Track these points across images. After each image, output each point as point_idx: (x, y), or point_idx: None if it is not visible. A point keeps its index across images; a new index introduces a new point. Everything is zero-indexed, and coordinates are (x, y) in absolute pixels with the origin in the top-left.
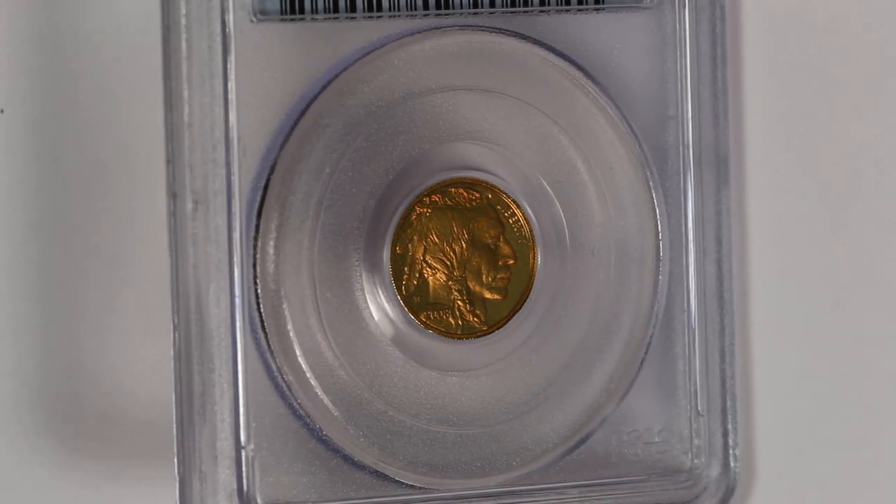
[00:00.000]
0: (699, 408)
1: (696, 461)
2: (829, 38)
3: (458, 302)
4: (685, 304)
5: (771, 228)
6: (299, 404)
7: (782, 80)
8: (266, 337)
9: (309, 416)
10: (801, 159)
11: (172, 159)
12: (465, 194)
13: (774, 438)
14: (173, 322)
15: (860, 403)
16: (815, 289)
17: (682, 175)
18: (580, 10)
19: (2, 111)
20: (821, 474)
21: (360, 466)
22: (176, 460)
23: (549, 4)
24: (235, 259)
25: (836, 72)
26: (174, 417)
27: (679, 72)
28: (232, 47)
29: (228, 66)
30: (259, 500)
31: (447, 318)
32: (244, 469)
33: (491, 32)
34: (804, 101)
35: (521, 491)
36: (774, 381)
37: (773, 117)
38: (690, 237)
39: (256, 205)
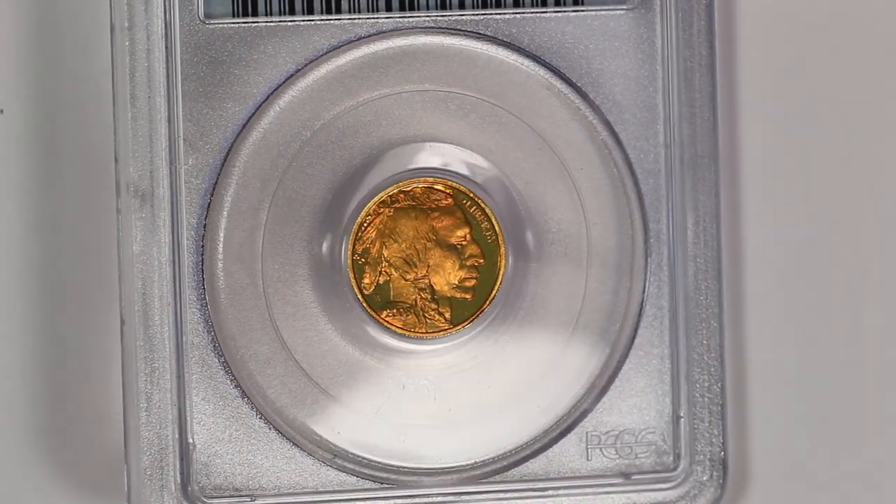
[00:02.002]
0: (679, 411)
1: (677, 464)
2: (825, 37)
3: (422, 301)
4: (669, 306)
5: (766, 228)
6: (249, 398)
7: (778, 79)
8: (214, 333)
9: (259, 411)
10: (796, 158)
11: (119, 157)
12: (430, 194)
13: (769, 443)
14: (120, 317)
15: (856, 407)
16: (812, 290)
17: (665, 175)
18: (558, 10)
19: (1, 111)
20: (816, 480)
21: (314, 460)
22: (124, 452)
23: (523, 5)
24: (180, 256)
25: (833, 70)
26: (122, 410)
27: (662, 72)
28: (176, 48)
29: (172, 66)
30: (205, 490)
31: (410, 317)
32: (188, 460)
33: (454, 34)
34: (800, 100)
35: (493, 490)
36: (770, 385)
37: (769, 116)
38: (675, 238)
39: (205, 203)
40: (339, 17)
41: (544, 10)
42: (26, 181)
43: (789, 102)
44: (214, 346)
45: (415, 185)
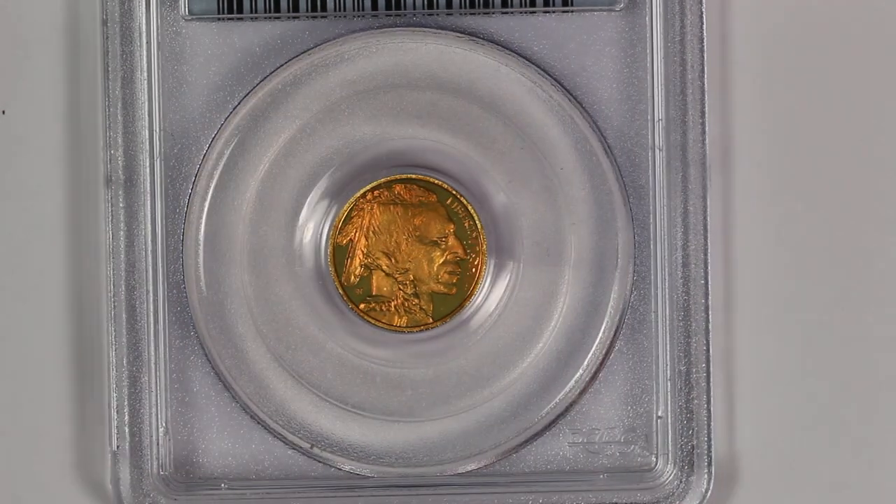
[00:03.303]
0: (661, 411)
1: (658, 463)
2: (818, 40)
3: (403, 295)
4: (653, 307)
5: (756, 230)
6: (227, 386)
7: (771, 83)
8: (193, 323)
9: (237, 399)
10: (789, 161)
11: (102, 148)
12: (413, 191)
13: (758, 444)
14: (106, 307)
15: (847, 408)
16: (803, 293)
17: (652, 178)
18: (546, 11)
19: (3, 112)
20: (806, 480)
21: (291, 449)
22: (108, 438)
23: (511, 5)
24: (158, 245)
25: (827, 73)
26: (106, 397)
27: (650, 74)
28: (154, 44)
29: (152, 61)
30: (179, 476)
31: (391, 310)
32: (165, 447)
33: (439, 33)
34: (793, 104)
35: (473, 483)
36: (759, 386)
37: (761, 120)
38: (660, 240)
39: (187, 194)
40: (324, 15)
41: (533, 9)
42: (27, 181)
43: (782, 106)
44: (194, 334)
45: (397, 182)
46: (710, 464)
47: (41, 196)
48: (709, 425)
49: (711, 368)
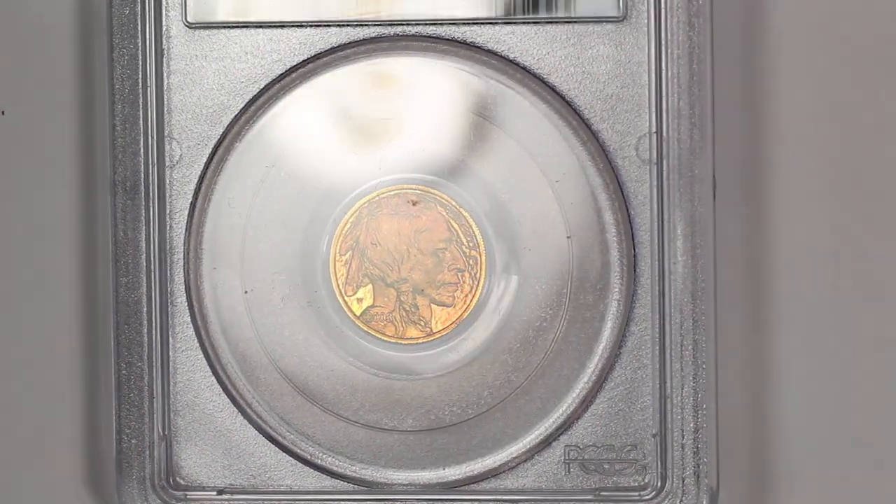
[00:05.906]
0: (660, 430)
1: (656, 482)
2: (833, 46)
3: (402, 307)
4: (655, 323)
5: (770, 244)
6: (227, 394)
7: (784, 91)
8: (196, 329)
9: (238, 407)
10: (811, 173)
11: (108, 154)
12: (413, 201)
13: (760, 469)
14: (112, 314)
15: (861, 437)
16: (820, 311)
17: (653, 192)
18: (549, 21)
19: (2, 113)
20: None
21: (290, 459)
22: (114, 443)
23: (514, 14)
24: (159, 251)
25: (844, 80)
26: (113, 403)
27: (649, 86)
28: (153, 52)
29: (148, 70)
30: (177, 483)
31: (389, 322)
32: (164, 453)
33: (439, 42)
34: (817, 113)
35: (469, 499)
36: (763, 406)
37: (779, 129)
38: (656, 255)
39: (189, 200)
40: (328, 24)
41: (536, 18)
42: (28, 182)
43: (799, 116)
44: (195, 342)
45: (398, 192)
46: (707, 484)
47: (49, 200)
48: (708, 445)
49: (709, 388)
